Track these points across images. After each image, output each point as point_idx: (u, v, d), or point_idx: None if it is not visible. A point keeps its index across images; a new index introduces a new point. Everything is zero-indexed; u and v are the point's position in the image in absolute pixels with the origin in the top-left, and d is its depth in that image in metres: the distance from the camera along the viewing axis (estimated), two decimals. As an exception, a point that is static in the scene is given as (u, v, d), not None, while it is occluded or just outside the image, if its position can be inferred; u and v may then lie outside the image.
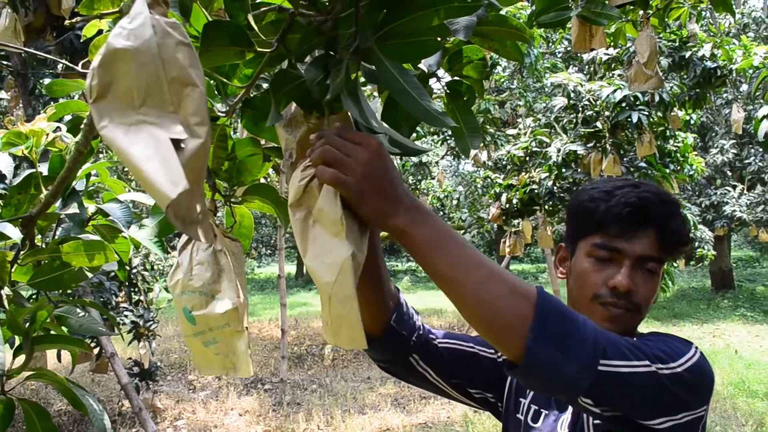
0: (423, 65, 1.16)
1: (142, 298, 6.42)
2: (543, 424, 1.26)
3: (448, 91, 1.25)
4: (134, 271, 6.24)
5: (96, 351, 5.73)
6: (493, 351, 1.31)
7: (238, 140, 1.12)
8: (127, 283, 6.16)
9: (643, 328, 1.26)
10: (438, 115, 0.87)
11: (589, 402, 0.94)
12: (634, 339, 1.06)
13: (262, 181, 1.23)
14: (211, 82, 1.05)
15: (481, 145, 8.01)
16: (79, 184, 1.36)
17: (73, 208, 1.33)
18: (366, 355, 1.25)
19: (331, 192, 0.86)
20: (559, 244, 1.35)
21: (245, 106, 1.03)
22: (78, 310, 1.35)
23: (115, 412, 6.48)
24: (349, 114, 0.94)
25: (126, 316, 6.16)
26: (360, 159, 0.85)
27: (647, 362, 0.98)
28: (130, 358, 6.46)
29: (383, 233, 1.10)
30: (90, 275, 1.30)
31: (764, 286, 15.89)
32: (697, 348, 1.11)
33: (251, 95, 1.01)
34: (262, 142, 1.15)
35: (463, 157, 8.95)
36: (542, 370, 0.89)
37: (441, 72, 1.24)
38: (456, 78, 1.26)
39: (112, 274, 6.17)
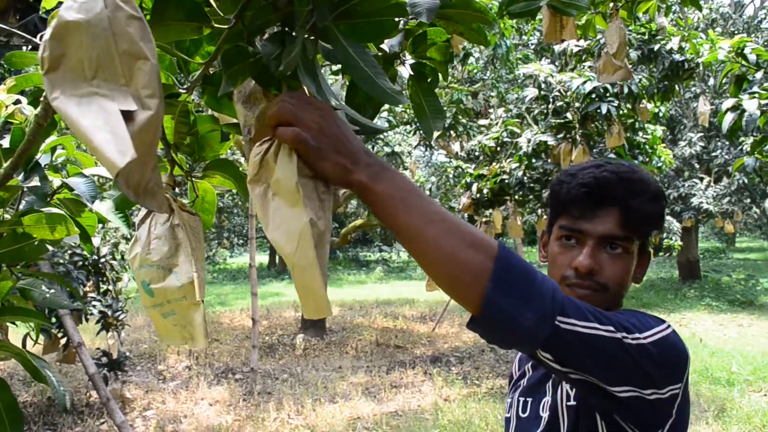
0: (385, 46, 1.17)
1: (110, 287, 6.34)
2: (530, 412, 1.27)
3: (411, 73, 1.26)
4: (102, 260, 6.16)
5: (63, 341, 5.66)
6: None
7: (200, 116, 1.12)
8: (94, 272, 6.08)
9: None
10: (394, 94, 0.88)
11: (549, 357, 0.95)
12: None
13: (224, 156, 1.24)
14: (173, 58, 1.04)
15: (454, 135, 8.05)
16: (43, 158, 1.35)
17: (35, 181, 1.32)
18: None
19: (287, 161, 0.86)
20: (542, 232, 1.36)
21: (206, 82, 1.04)
22: (42, 285, 1.35)
23: (83, 403, 6.40)
24: (307, 90, 0.94)
25: (94, 306, 6.08)
26: (314, 117, 0.85)
27: (611, 328, 0.98)
28: (98, 348, 6.39)
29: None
30: (50, 248, 1.30)
31: (729, 277, 16.22)
32: (669, 326, 1.10)
33: (212, 72, 1.01)
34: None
35: (435, 147, 8.97)
36: (500, 319, 0.90)
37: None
38: (420, 60, 1.27)
39: (80, 263, 6.11)
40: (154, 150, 0.74)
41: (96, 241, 6.11)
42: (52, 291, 1.43)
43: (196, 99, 1.24)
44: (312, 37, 0.87)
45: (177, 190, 1.10)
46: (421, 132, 8.05)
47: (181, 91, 1.06)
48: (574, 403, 1.18)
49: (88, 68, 0.69)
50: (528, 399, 1.29)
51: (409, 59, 1.28)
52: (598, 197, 1.16)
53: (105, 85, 0.69)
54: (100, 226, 6.36)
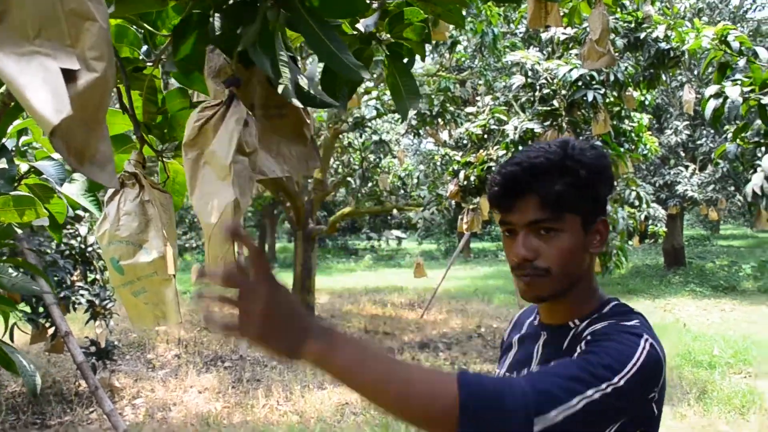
0: (361, 26, 1.17)
1: (98, 276, 6.32)
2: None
3: (388, 53, 1.28)
4: (89, 249, 6.14)
5: (51, 331, 5.65)
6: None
7: (168, 93, 1.11)
8: (81, 261, 6.06)
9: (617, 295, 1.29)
10: (355, 67, 0.89)
11: None
12: (583, 345, 1.14)
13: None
14: (139, 31, 1.04)
15: (442, 123, 8.07)
16: (9, 142, 1.34)
17: (2, 164, 1.31)
18: None
19: (227, 138, 0.87)
20: None
21: (173, 56, 1.03)
22: (11, 270, 1.34)
23: (71, 392, 6.40)
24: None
25: (82, 295, 6.07)
26: (257, 306, 0.89)
27: (585, 393, 1.02)
28: (86, 338, 6.38)
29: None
30: (20, 231, 1.29)
31: (713, 263, 16.41)
32: (646, 339, 1.13)
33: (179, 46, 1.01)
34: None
35: (423, 135, 8.99)
36: None
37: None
38: (397, 41, 1.29)
39: (67, 252, 6.09)
40: (102, 117, 0.71)
41: (83, 230, 6.10)
42: (21, 277, 1.42)
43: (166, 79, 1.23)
44: (274, 9, 0.87)
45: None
46: (409, 120, 8.06)
47: (147, 64, 1.05)
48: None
49: (31, 27, 0.67)
50: (513, 374, 1.34)
51: (386, 39, 1.29)
52: (511, 191, 1.20)
53: (48, 45, 0.67)
54: (87, 215, 6.35)
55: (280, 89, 0.94)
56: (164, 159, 1.20)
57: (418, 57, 1.35)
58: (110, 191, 1.03)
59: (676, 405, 5.71)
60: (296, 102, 0.98)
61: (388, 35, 1.31)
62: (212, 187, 0.87)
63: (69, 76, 0.65)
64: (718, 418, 5.37)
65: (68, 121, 0.62)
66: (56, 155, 1.36)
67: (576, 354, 1.14)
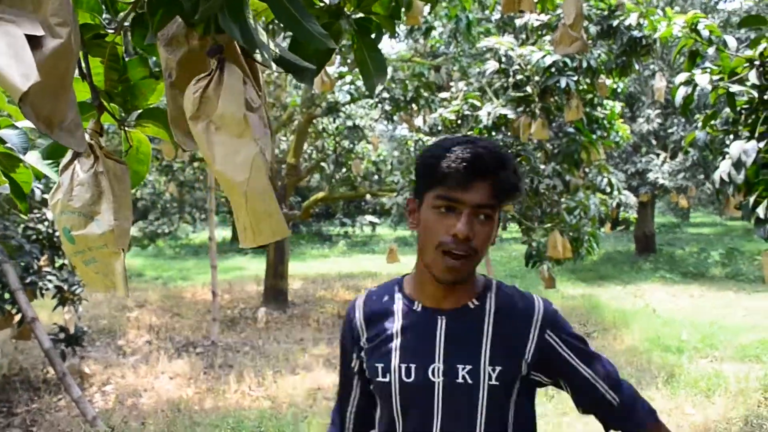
0: (327, -1, 1.16)
1: (66, 261, 6.22)
2: (416, 377, 1.37)
3: (356, 27, 1.26)
4: (57, 233, 6.03)
5: (18, 317, 5.55)
6: (351, 369, 1.50)
7: (130, 61, 1.09)
8: (48, 246, 5.95)
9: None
10: (320, 36, 0.88)
11: None
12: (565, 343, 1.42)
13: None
14: None
15: (416, 108, 8.04)
16: None
17: None
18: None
19: (231, 96, 0.86)
20: (408, 198, 1.45)
21: (135, 23, 1.00)
22: None
23: (39, 380, 6.31)
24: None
25: (49, 280, 5.96)
26: None
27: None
28: (55, 324, 6.29)
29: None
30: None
31: (683, 250, 16.68)
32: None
33: (140, 12, 0.98)
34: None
35: (397, 121, 8.96)
36: None
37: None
38: (365, 15, 1.27)
39: (33, 237, 5.97)
40: (68, 83, 0.71)
41: (50, 215, 5.98)
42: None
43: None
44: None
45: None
46: (383, 106, 8.04)
47: (108, 31, 1.03)
48: (497, 383, 1.35)
49: None
50: (411, 365, 1.37)
51: (354, 14, 1.27)
52: (473, 170, 1.27)
53: (10, 11, 0.66)
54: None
55: (258, 57, 0.94)
56: (126, 128, 1.17)
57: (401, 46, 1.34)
58: (65, 160, 1.01)
59: (645, 388, 5.80)
60: (274, 66, 0.97)
61: (355, 9, 1.30)
62: (231, 147, 0.86)
63: (33, 42, 0.65)
64: (685, 400, 5.47)
65: (36, 87, 0.62)
66: (19, 123, 1.33)
67: (574, 353, 1.41)
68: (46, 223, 5.96)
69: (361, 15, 1.28)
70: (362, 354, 1.46)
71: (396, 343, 1.40)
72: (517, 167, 1.35)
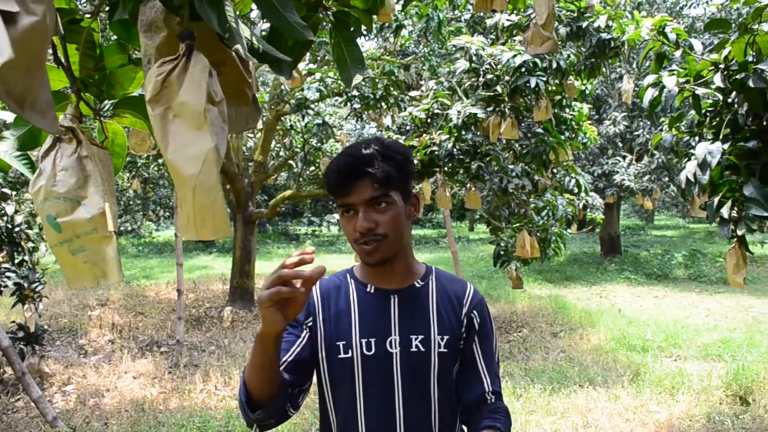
0: (306, -9, 1.14)
1: (26, 258, 6.05)
2: (377, 349, 1.54)
3: (333, 20, 1.26)
4: (17, 229, 5.87)
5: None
6: (299, 339, 1.59)
7: (107, 48, 1.05)
8: (8, 242, 5.78)
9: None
10: (300, 27, 0.88)
11: None
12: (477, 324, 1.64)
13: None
14: None
15: (385, 107, 8.01)
16: None
17: None
18: None
19: (195, 86, 0.84)
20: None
21: (113, 10, 0.97)
22: None
23: (-4, 379, 6.13)
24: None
25: (8, 277, 5.80)
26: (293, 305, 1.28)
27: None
28: (13, 322, 6.11)
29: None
30: None
31: (647, 252, 16.95)
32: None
33: None
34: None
35: (366, 120, 8.91)
36: None
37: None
38: (343, 9, 1.27)
39: (-8, 232, 5.80)
40: (42, 62, 0.68)
41: (9, 209, 5.82)
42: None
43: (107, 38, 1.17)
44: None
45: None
46: (352, 104, 7.99)
47: (85, 16, 0.98)
48: (445, 350, 1.57)
49: None
50: (371, 339, 1.55)
51: (332, 7, 1.27)
52: (347, 176, 1.48)
53: None
54: (14, 193, 6.06)
55: (237, 47, 0.91)
56: (102, 118, 1.13)
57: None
58: (45, 146, 0.98)
59: (611, 387, 5.86)
60: (249, 57, 0.95)
61: (334, 3, 1.30)
62: (187, 138, 0.84)
63: (7, 18, 0.62)
64: (649, 399, 5.54)
65: (9, 64, 0.59)
66: None
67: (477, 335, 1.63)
68: (5, 218, 5.79)
69: (339, 9, 1.29)
70: (318, 331, 1.59)
71: (355, 321, 1.57)
72: (391, 155, 1.51)
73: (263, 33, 1.29)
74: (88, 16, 1.01)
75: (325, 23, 1.34)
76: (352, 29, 1.32)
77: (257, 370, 1.39)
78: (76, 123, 0.99)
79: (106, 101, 1.14)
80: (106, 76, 1.09)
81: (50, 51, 1.00)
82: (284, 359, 1.55)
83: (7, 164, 1.31)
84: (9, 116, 1.37)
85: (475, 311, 1.64)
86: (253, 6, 1.12)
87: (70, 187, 0.94)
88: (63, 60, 1.01)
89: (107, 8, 1.03)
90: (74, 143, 0.97)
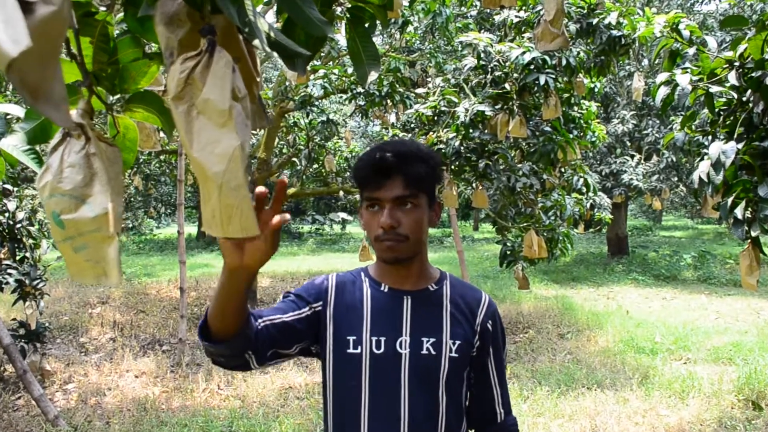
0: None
1: (27, 254, 6.00)
2: (387, 349, 1.54)
3: (349, 16, 1.27)
4: (18, 226, 5.82)
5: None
6: (299, 311, 1.57)
7: (121, 41, 1.03)
8: (9, 239, 5.73)
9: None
10: (320, 23, 0.87)
11: None
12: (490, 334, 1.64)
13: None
14: None
15: (390, 104, 7.93)
16: None
17: None
18: None
19: (220, 83, 0.83)
20: (359, 206, 1.66)
21: (128, 2, 0.96)
22: None
23: (-4, 377, 6.08)
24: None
25: (9, 274, 5.75)
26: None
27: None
28: (14, 319, 6.06)
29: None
30: None
31: (655, 252, 16.82)
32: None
33: None
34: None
35: (371, 117, 8.84)
36: None
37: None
38: (358, 4, 1.28)
39: (-7, 229, 5.74)
40: (57, 53, 0.67)
41: (11, 206, 5.76)
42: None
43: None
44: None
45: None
46: (357, 101, 7.91)
47: (101, 9, 0.96)
48: (456, 355, 1.56)
49: None
50: (381, 338, 1.55)
51: (347, 3, 1.29)
52: (382, 170, 1.50)
53: None
54: (15, 190, 6.00)
55: (256, 42, 0.91)
56: (114, 113, 1.11)
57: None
58: (54, 141, 0.96)
59: (620, 390, 5.77)
60: (268, 50, 0.94)
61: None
62: (212, 136, 0.84)
63: (25, 7, 0.62)
64: (659, 402, 5.45)
65: (25, 54, 0.59)
66: None
67: (491, 346, 1.64)
68: (6, 215, 5.74)
69: (354, 4, 1.29)
70: (327, 319, 1.59)
71: (366, 318, 1.57)
72: (427, 157, 1.55)
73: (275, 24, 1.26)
74: (103, 9, 1.01)
75: (338, 21, 1.32)
76: (366, 25, 1.32)
77: (215, 301, 1.32)
78: (87, 119, 0.98)
79: (118, 95, 1.14)
80: (119, 70, 1.09)
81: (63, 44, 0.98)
82: (276, 317, 1.53)
83: (14, 158, 1.33)
84: (19, 110, 1.36)
85: (490, 321, 1.65)
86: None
87: (76, 184, 0.93)
88: (76, 53, 1.00)
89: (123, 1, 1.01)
90: (83, 140, 0.96)
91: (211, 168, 0.83)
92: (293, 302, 1.60)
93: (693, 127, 4.68)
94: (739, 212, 3.40)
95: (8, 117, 1.46)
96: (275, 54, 0.99)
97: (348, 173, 11.48)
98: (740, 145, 3.54)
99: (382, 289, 1.61)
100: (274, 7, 4.51)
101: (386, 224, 1.48)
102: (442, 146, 6.18)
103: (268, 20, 1.06)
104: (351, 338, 1.55)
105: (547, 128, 6.50)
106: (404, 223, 1.51)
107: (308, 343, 1.59)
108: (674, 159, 13.87)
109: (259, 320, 1.50)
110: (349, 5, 1.29)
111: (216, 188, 0.84)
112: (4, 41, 0.59)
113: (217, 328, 1.37)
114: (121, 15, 1.05)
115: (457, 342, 1.56)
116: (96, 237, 0.93)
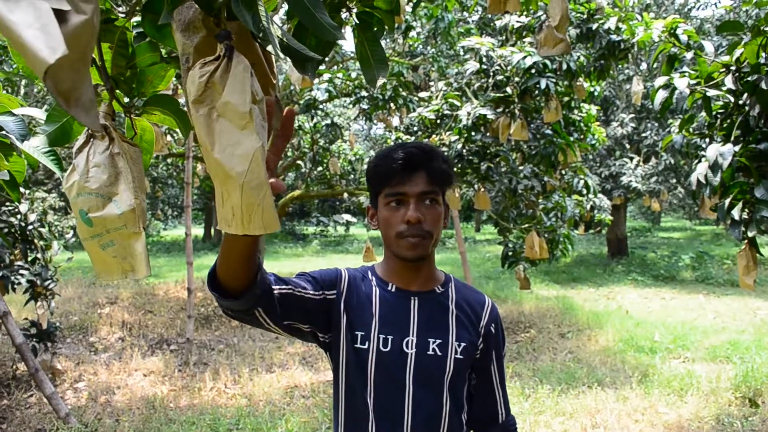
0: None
1: (39, 255, 6.10)
2: (393, 346, 1.54)
3: (357, 21, 1.29)
4: (30, 227, 5.92)
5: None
6: (313, 292, 1.54)
7: (139, 46, 1.07)
8: (21, 240, 5.83)
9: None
10: (331, 29, 0.89)
11: None
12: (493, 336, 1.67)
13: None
14: None
15: (393, 108, 8.04)
16: None
17: None
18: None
19: (240, 86, 0.86)
20: (367, 206, 1.67)
21: (146, 9, 0.99)
22: None
23: (8, 376, 6.18)
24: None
25: (21, 274, 5.84)
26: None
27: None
28: (26, 319, 6.16)
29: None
30: None
31: (654, 253, 16.92)
32: None
33: None
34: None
35: (374, 120, 8.94)
36: None
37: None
38: (366, 9, 1.30)
39: (5, 230, 5.84)
40: (88, 59, 0.71)
41: (23, 207, 5.86)
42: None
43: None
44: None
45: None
46: (361, 105, 8.02)
47: (120, 16, 1.01)
48: (461, 357, 1.58)
49: None
50: (388, 336, 1.56)
51: (355, 8, 1.30)
52: (409, 166, 1.51)
53: None
54: (26, 192, 6.10)
55: (270, 48, 0.94)
56: (132, 115, 1.16)
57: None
58: (79, 143, 1.01)
59: (620, 388, 5.87)
60: (281, 55, 0.97)
61: (357, 4, 1.32)
62: (233, 137, 0.86)
63: (59, 16, 0.65)
64: (658, 400, 5.55)
65: (61, 61, 0.62)
66: (18, 111, 1.30)
67: (493, 348, 1.66)
68: (18, 216, 5.84)
69: (362, 9, 1.31)
70: (341, 310, 1.57)
71: (375, 315, 1.58)
72: (448, 158, 1.59)
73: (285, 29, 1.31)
74: (123, 15, 1.04)
75: (347, 25, 1.36)
76: (375, 29, 1.34)
77: (222, 243, 1.24)
78: (109, 120, 1.02)
79: (136, 98, 1.17)
80: (137, 74, 1.12)
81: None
82: (289, 287, 1.49)
83: (35, 160, 1.34)
84: (41, 114, 1.38)
85: (493, 324, 1.67)
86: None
87: (101, 183, 0.97)
88: (97, 58, 1.04)
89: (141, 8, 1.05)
90: (107, 140, 0.99)
91: (233, 168, 0.86)
92: (309, 282, 1.56)
93: (691, 129, 4.77)
94: (736, 213, 3.49)
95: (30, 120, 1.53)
96: (288, 59, 1.04)
97: (352, 176, 11.57)
98: (737, 148, 3.63)
99: (389, 288, 1.61)
100: (280, 12, 4.58)
101: (414, 217, 1.48)
102: (444, 149, 6.29)
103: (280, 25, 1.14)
104: (360, 333, 1.56)
105: (548, 131, 6.62)
106: (428, 218, 1.51)
107: (318, 327, 1.57)
108: (672, 161, 14.00)
109: (274, 282, 1.46)
110: (358, 10, 1.31)
111: (238, 188, 0.86)
112: (41, 49, 0.62)
113: (224, 276, 1.29)
114: (136, 19, 1.10)
115: (463, 344, 1.58)
116: (123, 233, 0.97)
